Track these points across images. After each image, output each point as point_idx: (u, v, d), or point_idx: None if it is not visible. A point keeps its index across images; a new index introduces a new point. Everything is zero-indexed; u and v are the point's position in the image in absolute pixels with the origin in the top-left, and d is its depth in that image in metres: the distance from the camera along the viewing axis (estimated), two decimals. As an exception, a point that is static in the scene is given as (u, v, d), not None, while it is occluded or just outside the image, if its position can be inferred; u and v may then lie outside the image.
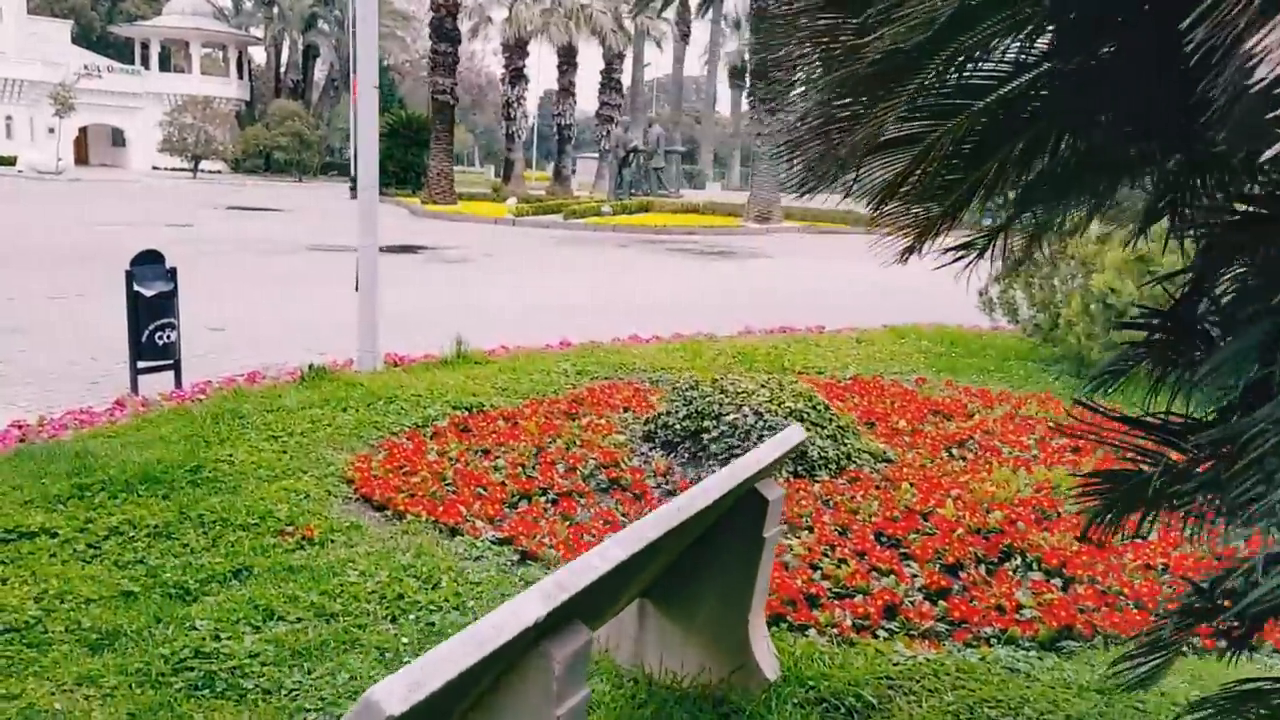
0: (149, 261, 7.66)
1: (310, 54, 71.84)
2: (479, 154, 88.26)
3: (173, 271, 7.75)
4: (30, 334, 9.99)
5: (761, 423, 5.53)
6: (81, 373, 8.49)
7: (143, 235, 20.98)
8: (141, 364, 7.61)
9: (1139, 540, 4.31)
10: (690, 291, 15.57)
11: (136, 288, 7.50)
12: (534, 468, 5.46)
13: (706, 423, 5.66)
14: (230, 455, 5.30)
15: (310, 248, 19.61)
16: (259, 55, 72.25)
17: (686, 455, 5.67)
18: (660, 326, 10.98)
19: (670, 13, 56.38)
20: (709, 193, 48.14)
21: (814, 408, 5.75)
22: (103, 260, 15.99)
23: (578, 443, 5.89)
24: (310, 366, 7.60)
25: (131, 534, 4.33)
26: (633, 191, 36.11)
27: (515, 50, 48.71)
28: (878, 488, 5.30)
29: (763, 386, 5.82)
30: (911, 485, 5.29)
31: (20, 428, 6.10)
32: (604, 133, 53.84)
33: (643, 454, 5.78)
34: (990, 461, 5.84)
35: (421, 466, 5.34)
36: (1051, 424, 6.58)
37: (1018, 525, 4.77)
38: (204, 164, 54.38)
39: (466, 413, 6.55)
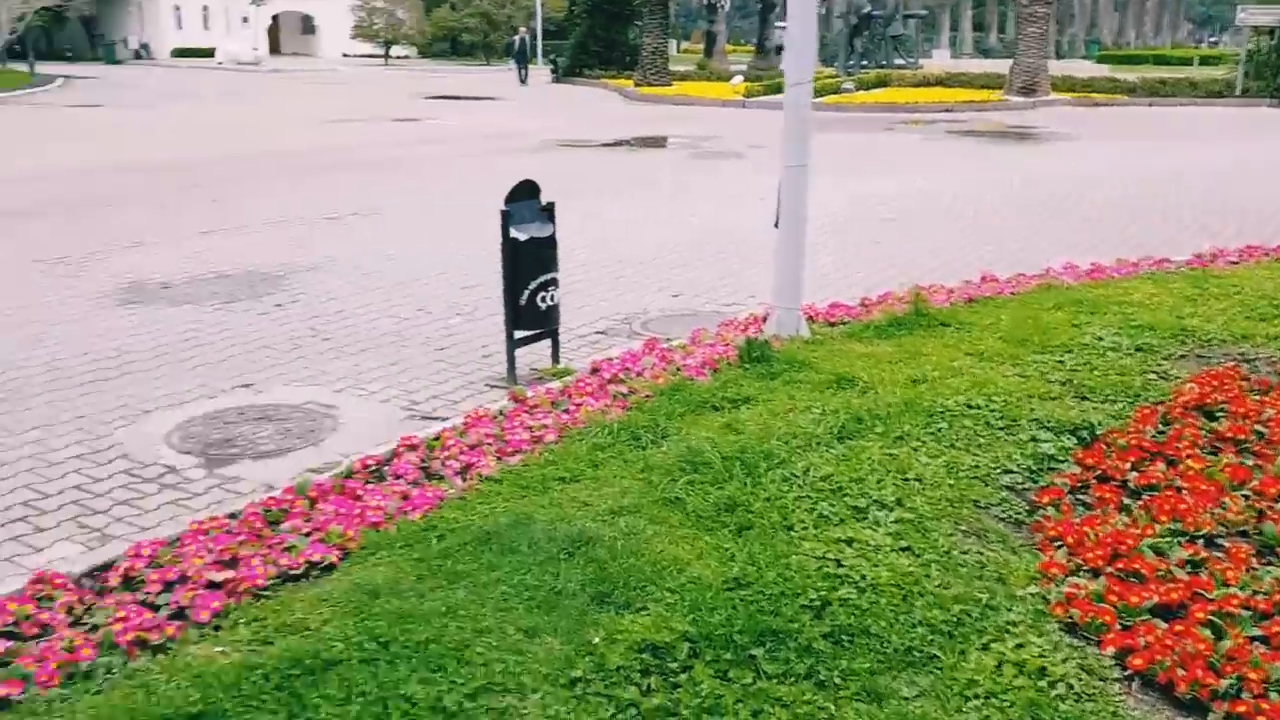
0: (525, 196, 5.55)
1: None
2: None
3: (550, 208, 5.64)
4: (323, 272, 8.19)
5: None
6: (419, 332, 6.59)
7: (375, 132, 19.34)
8: (518, 333, 5.62)
9: None
10: (1061, 187, 12.55)
11: (514, 233, 5.43)
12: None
13: None
14: (839, 560, 3.08)
15: (560, 144, 17.46)
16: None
17: None
18: (1085, 243, 8.42)
19: None
20: (939, 61, 43.33)
21: None
22: (353, 166, 14.28)
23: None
24: (749, 342, 5.40)
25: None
26: (864, 64, 32.47)
27: (716, -91, 44.89)
28: None
29: None
30: None
31: (415, 449, 4.13)
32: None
33: None
34: None
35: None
36: None
37: None
38: (394, 49, 53.22)
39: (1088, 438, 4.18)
